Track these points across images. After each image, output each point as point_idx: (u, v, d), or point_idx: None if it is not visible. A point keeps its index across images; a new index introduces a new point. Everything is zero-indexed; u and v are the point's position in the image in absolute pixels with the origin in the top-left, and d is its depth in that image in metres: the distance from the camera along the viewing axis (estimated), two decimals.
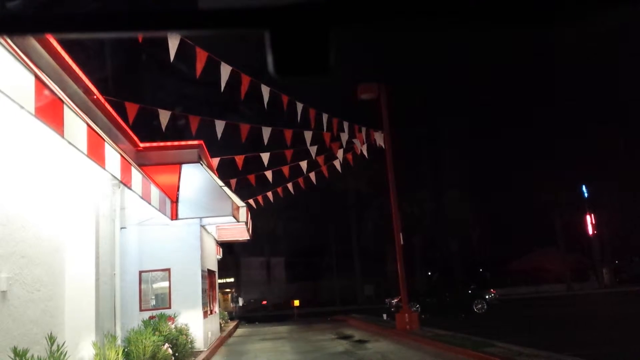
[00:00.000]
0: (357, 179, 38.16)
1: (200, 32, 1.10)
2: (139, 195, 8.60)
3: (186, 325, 11.98)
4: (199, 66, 9.43)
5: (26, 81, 4.67)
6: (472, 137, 47.51)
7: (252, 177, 17.97)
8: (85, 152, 5.84)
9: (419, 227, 40.25)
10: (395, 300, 21.05)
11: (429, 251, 42.88)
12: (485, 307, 21.91)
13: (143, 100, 13.75)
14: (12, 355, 5.22)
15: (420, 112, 49.05)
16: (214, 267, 17.14)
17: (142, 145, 12.77)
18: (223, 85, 10.11)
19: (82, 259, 7.82)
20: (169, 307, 12.33)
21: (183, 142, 13.50)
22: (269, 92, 11.62)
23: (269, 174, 17.49)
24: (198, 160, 13.04)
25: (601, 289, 37.24)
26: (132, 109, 10.96)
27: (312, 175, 18.40)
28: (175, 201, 11.98)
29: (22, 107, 4.56)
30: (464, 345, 10.89)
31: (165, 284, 12.70)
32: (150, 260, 12.64)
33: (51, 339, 5.81)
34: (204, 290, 13.46)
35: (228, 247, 27.47)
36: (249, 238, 19.77)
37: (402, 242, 16.85)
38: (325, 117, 14.78)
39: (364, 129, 17.30)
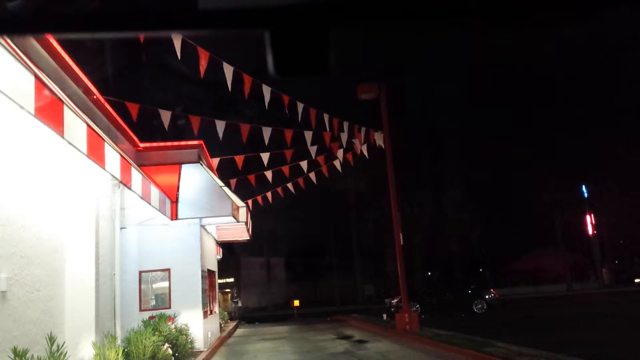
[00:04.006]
0: (357, 179, 38.19)
1: (200, 32, 1.10)
2: (139, 196, 8.60)
3: (186, 325, 11.99)
4: (202, 66, 9.43)
5: (26, 81, 4.66)
6: (472, 137, 47.61)
7: (252, 177, 17.97)
8: (85, 152, 5.84)
9: (419, 227, 40.27)
10: (395, 300, 21.03)
11: (429, 251, 42.87)
12: (485, 307, 21.89)
13: (143, 100, 13.76)
14: (12, 356, 5.22)
15: (421, 111, 49.20)
16: (214, 267, 17.13)
17: (142, 145, 12.76)
18: (230, 85, 10.12)
19: (82, 259, 7.82)
20: (169, 307, 12.33)
21: (183, 142, 13.49)
22: (269, 92, 11.62)
23: (269, 174, 17.49)
24: (198, 160, 13.03)
25: (601, 289, 37.23)
26: (132, 108, 10.97)
27: (312, 175, 18.40)
28: (175, 201, 11.98)
29: (22, 107, 4.56)
30: (464, 345, 10.88)
31: (165, 284, 12.70)
32: (150, 260, 12.64)
33: (51, 339, 5.81)
34: (203, 291, 13.45)
35: (228, 247, 27.46)
36: (248, 238, 19.76)
37: (402, 242, 16.84)
38: (326, 117, 14.78)
39: (363, 129, 17.30)
